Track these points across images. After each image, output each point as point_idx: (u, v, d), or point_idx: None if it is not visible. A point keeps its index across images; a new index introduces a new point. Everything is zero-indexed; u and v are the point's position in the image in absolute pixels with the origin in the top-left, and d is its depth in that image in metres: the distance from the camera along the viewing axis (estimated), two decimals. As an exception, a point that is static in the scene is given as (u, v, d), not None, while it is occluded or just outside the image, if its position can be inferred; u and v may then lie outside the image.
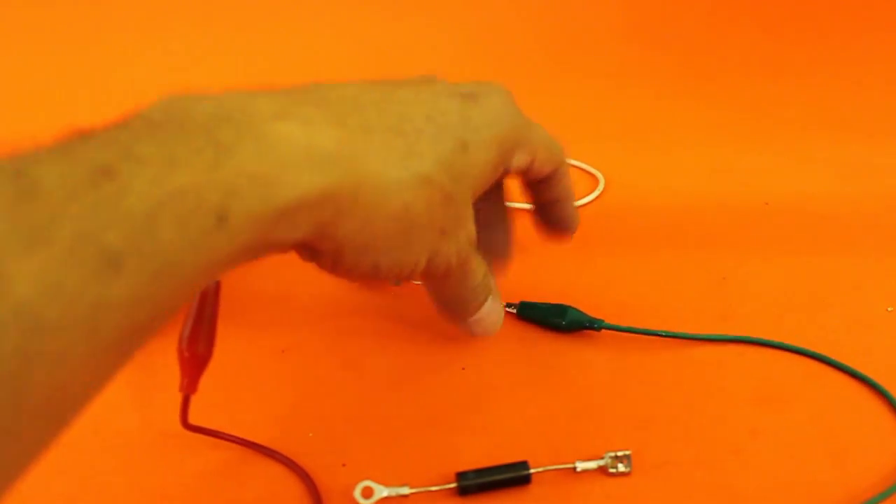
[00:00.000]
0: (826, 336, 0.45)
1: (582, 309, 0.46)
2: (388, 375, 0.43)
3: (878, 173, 0.62)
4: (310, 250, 0.31)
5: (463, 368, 0.44)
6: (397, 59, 0.79)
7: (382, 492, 0.36)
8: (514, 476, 0.37)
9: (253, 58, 0.79)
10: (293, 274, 0.50)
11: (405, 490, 0.36)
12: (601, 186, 0.59)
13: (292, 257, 0.51)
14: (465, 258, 0.36)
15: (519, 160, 0.38)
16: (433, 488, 0.36)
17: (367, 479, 0.36)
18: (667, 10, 0.88)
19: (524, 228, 0.55)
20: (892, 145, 0.65)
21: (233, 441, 0.38)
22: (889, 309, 0.48)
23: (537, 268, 0.51)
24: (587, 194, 0.58)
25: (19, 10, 0.84)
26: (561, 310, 0.46)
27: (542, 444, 0.39)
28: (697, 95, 0.73)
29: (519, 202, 0.56)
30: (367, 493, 0.36)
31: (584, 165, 0.61)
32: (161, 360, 0.39)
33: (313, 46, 0.81)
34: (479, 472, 0.37)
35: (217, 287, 0.35)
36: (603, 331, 0.45)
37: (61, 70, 0.75)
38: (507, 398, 0.42)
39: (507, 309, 0.47)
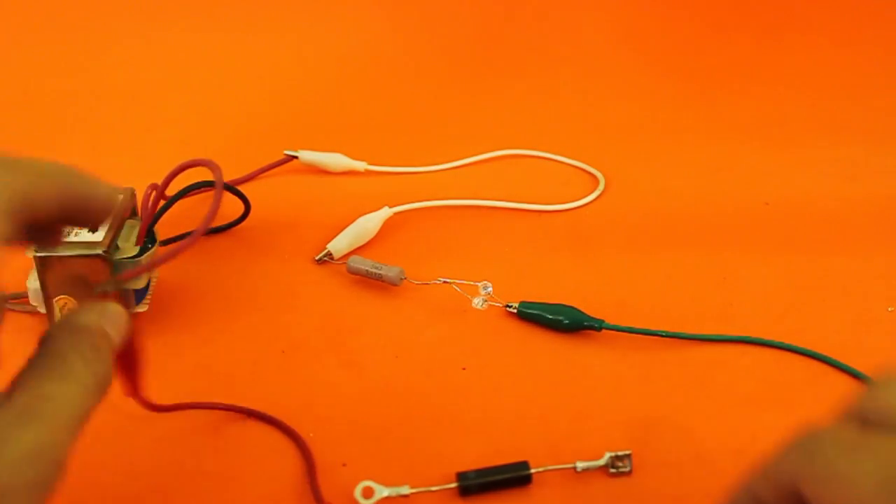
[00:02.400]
0: (826, 336, 0.45)
1: (582, 309, 0.46)
2: (388, 375, 0.43)
3: (878, 173, 0.61)
4: None
5: (463, 368, 0.44)
6: (394, 58, 0.79)
7: (383, 492, 0.36)
8: (515, 476, 0.37)
9: (252, 58, 0.79)
10: (293, 274, 0.50)
11: (405, 490, 0.36)
12: (601, 186, 0.59)
13: (293, 259, 0.51)
14: None
15: None
16: (434, 488, 0.36)
17: (368, 479, 0.36)
18: (667, 10, 0.88)
19: (524, 227, 0.55)
20: (892, 145, 0.65)
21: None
22: (889, 309, 0.48)
23: (537, 268, 0.51)
24: (587, 194, 0.58)
25: (19, 10, 0.84)
26: (561, 310, 0.46)
27: (542, 444, 0.39)
28: (697, 96, 0.73)
29: (510, 202, 0.56)
30: (368, 493, 0.36)
31: (584, 165, 0.61)
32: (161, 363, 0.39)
33: (312, 43, 0.81)
34: (480, 472, 0.37)
35: None
36: (603, 331, 0.45)
37: (61, 69, 0.75)
38: (507, 398, 0.42)
39: (507, 309, 0.47)
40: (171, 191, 0.49)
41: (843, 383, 0.43)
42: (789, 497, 0.26)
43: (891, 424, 0.25)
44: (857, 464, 0.24)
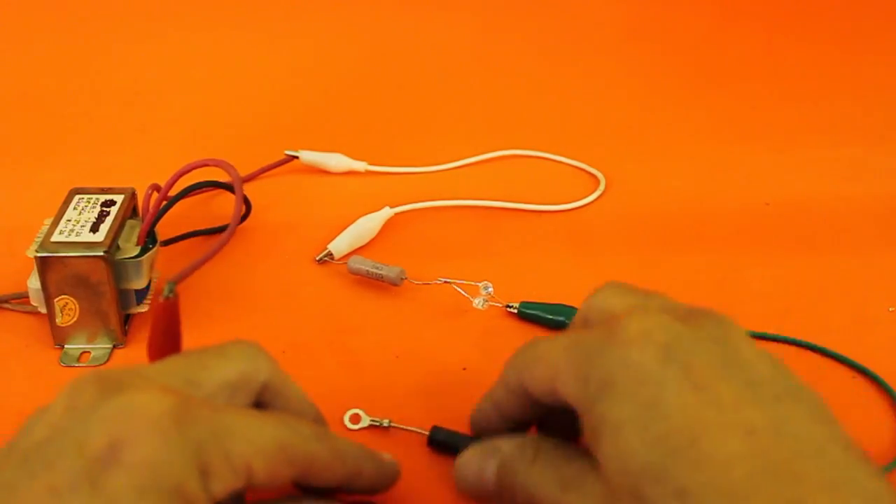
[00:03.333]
0: (826, 336, 0.45)
1: (582, 309, 0.46)
2: (389, 375, 0.43)
3: (878, 173, 0.62)
4: None
5: (464, 369, 0.44)
6: (394, 58, 0.79)
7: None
8: None
9: (252, 58, 0.79)
10: (294, 274, 0.50)
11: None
12: (601, 186, 0.59)
13: (294, 259, 0.51)
14: None
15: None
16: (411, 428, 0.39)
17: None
18: (667, 10, 0.88)
19: (524, 227, 0.55)
20: (892, 145, 0.65)
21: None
22: (890, 309, 0.48)
23: (537, 268, 0.51)
24: (587, 194, 0.58)
25: (19, 10, 0.84)
26: (561, 310, 0.46)
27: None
28: (698, 96, 0.73)
29: (510, 202, 0.57)
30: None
31: (584, 165, 0.61)
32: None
33: (313, 43, 0.81)
34: (452, 433, 0.38)
35: (171, 302, 0.32)
36: (603, 331, 0.45)
37: (61, 69, 0.75)
38: (507, 398, 0.42)
39: (508, 309, 0.47)
40: (172, 191, 0.50)
41: (845, 377, 0.43)
42: (518, 394, 0.33)
43: (593, 320, 0.33)
44: (554, 342, 0.31)
